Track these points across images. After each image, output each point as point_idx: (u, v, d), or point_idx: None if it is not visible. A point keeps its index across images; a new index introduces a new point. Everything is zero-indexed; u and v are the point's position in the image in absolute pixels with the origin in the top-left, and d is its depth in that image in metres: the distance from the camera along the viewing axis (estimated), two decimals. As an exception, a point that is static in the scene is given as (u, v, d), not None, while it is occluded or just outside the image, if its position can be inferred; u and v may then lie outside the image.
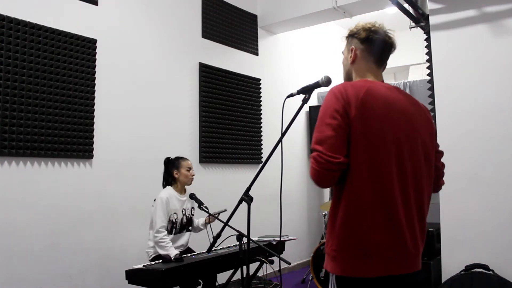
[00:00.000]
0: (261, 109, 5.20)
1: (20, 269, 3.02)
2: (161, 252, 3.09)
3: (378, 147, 1.50)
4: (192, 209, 3.47)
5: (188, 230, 3.41)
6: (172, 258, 2.89)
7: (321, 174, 1.47)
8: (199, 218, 3.51)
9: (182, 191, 3.40)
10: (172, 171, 3.36)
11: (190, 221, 3.42)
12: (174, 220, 3.27)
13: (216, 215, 3.33)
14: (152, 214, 3.25)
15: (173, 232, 3.27)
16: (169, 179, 3.39)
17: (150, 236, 3.27)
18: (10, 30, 3.03)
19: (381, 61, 1.70)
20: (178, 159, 3.41)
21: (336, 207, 1.54)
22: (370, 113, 1.50)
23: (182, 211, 3.35)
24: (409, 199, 1.54)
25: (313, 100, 6.28)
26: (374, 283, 1.48)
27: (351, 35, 1.72)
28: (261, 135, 5.18)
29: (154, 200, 3.28)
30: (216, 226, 2.89)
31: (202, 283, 3.30)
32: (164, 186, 3.41)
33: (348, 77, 1.75)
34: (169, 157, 3.47)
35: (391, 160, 1.51)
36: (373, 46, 1.67)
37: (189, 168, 3.38)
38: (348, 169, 1.50)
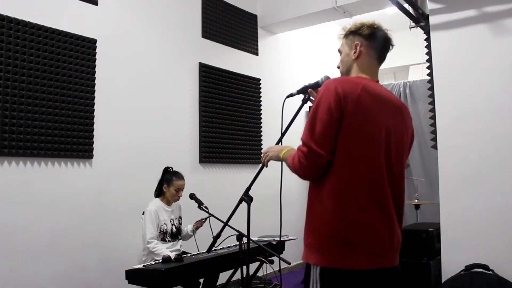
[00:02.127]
0: (261, 109, 5.19)
1: (20, 269, 3.02)
2: (158, 258, 3.12)
3: (372, 142, 1.54)
4: (180, 218, 3.54)
5: (179, 239, 3.48)
6: (172, 258, 2.89)
7: (308, 168, 1.53)
8: (187, 226, 3.55)
9: (169, 202, 3.45)
10: (163, 184, 3.42)
11: (179, 229, 3.49)
12: (164, 230, 3.34)
13: (203, 221, 3.43)
14: (142, 226, 3.31)
15: (167, 241, 3.34)
16: (160, 188, 3.47)
17: (143, 246, 3.33)
18: (10, 30, 3.03)
19: (381, 58, 1.74)
20: (174, 175, 3.43)
21: (318, 199, 1.56)
22: (366, 109, 1.54)
23: (171, 221, 3.41)
24: (394, 193, 1.60)
25: (313, 100, 6.27)
26: (363, 275, 1.49)
27: (353, 32, 1.73)
28: (261, 135, 5.18)
29: (143, 213, 3.33)
30: (216, 226, 2.89)
31: (202, 283, 3.31)
32: (156, 193, 3.47)
33: (347, 73, 1.76)
34: (169, 168, 3.50)
35: (382, 156, 1.56)
36: (377, 43, 1.71)
37: (178, 189, 3.41)
38: (338, 163, 1.51)
